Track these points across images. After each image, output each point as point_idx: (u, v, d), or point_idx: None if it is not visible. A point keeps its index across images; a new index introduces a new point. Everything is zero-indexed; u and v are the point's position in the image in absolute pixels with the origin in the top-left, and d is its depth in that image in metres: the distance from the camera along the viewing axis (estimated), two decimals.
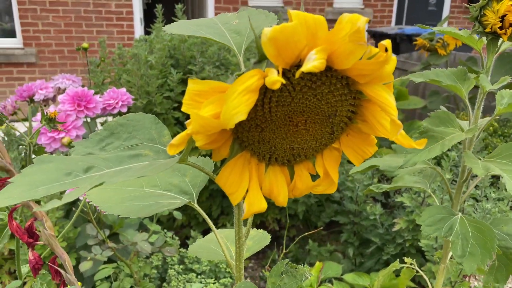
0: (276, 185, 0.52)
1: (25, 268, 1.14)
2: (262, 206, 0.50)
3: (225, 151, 0.49)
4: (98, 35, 5.46)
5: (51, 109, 1.88)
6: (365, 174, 2.26)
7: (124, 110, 1.97)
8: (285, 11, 5.93)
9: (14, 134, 2.04)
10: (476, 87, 0.97)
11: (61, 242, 1.75)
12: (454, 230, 0.89)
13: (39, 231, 0.93)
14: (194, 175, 0.76)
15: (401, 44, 4.38)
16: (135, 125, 0.60)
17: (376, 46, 0.42)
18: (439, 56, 2.75)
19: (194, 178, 0.75)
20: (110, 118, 2.16)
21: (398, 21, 6.97)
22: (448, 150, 2.05)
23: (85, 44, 2.52)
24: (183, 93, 2.34)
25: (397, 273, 1.65)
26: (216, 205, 2.41)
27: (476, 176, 1.09)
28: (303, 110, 0.45)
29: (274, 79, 0.37)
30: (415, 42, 2.90)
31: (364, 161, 1.20)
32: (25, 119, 2.11)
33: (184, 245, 2.28)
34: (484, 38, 0.87)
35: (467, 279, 1.34)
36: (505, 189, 1.97)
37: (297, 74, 0.39)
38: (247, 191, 0.50)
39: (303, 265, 0.73)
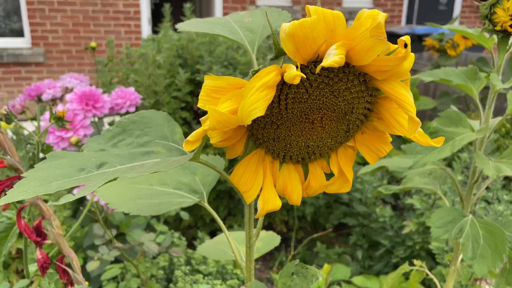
0: (290, 184, 0.51)
1: (32, 267, 1.14)
2: (277, 204, 0.49)
3: (240, 148, 0.48)
4: (106, 35, 5.48)
5: (59, 108, 1.88)
6: (375, 176, 2.24)
7: (132, 109, 1.97)
8: (293, 11, 5.92)
9: (23, 133, 2.05)
10: (487, 88, 0.96)
11: (68, 242, 1.75)
12: (464, 232, 0.87)
13: (47, 230, 0.93)
14: (205, 173, 0.75)
15: (411, 44, 4.35)
16: (147, 122, 0.60)
17: None
18: (448, 56, 2.73)
19: (205, 177, 0.75)
20: (117, 118, 2.16)
21: (408, 21, 6.91)
22: (460, 151, 2.04)
23: (93, 44, 2.52)
24: (191, 93, 2.34)
25: (406, 276, 1.64)
26: (223, 206, 2.40)
27: (487, 177, 1.08)
28: (320, 107, 0.44)
29: (294, 73, 0.37)
30: (424, 43, 2.88)
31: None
32: (34, 118, 2.12)
33: (191, 245, 2.27)
34: (494, 37, 0.86)
35: (478, 282, 1.33)
36: None
37: (317, 69, 0.38)
38: (261, 189, 0.50)
39: (313, 267, 0.72)
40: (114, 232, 1.64)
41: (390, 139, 0.52)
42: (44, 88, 2.09)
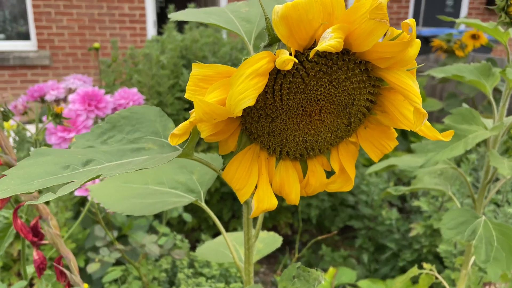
0: (288, 181, 0.48)
1: (31, 269, 1.12)
2: (272, 203, 0.46)
3: (233, 143, 0.45)
4: (111, 38, 5.48)
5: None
6: (381, 178, 2.20)
7: None
8: None
9: (25, 134, 2.04)
10: (496, 91, 0.93)
11: (70, 244, 1.73)
12: (477, 233, 0.84)
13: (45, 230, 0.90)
14: (202, 172, 0.72)
15: None
16: (138, 118, 0.57)
17: None
18: (456, 57, 2.68)
19: (202, 176, 0.72)
20: None
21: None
22: (468, 152, 1.99)
23: (96, 44, 2.51)
24: None
25: (413, 280, 1.60)
26: (227, 208, 2.37)
27: (498, 180, 1.04)
28: (318, 98, 0.41)
29: (285, 57, 0.34)
30: (432, 44, 2.83)
31: (381, 160, 1.15)
32: (39, 120, 2.10)
33: (195, 248, 2.25)
34: (510, 30, 0.82)
35: (487, 287, 1.28)
36: None
37: (312, 54, 0.35)
38: (256, 187, 0.46)
39: (316, 270, 0.68)
40: (116, 234, 1.61)
41: (396, 134, 0.49)
42: (48, 89, 2.07)
